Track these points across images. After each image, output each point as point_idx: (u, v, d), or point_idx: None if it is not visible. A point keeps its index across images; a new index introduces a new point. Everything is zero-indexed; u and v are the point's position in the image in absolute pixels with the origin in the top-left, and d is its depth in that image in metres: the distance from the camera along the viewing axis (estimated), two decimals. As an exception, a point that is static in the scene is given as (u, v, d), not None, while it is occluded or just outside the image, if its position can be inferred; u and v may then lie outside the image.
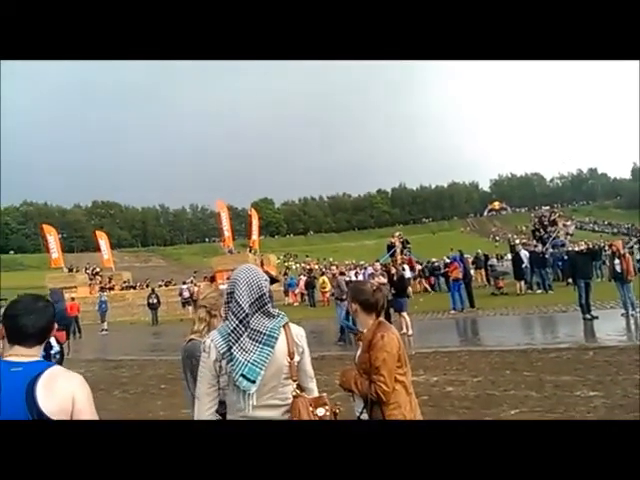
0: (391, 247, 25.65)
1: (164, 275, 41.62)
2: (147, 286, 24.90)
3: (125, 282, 28.71)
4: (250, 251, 26.58)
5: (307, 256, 59.69)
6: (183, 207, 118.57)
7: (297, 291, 22.72)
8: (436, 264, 20.84)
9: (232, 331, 1.79)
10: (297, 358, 1.85)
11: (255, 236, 30.26)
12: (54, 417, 1.57)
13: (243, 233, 66.63)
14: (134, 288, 27.45)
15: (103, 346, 15.68)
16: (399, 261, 22.45)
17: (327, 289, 18.67)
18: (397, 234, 27.62)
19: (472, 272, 16.32)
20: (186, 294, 22.08)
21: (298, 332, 1.91)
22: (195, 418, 1.80)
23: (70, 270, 28.52)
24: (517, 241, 29.82)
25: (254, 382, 1.72)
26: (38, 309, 1.73)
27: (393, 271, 12.89)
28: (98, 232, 33.79)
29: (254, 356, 1.75)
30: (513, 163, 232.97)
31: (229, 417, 1.83)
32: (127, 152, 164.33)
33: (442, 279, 19.54)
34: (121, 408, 6.37)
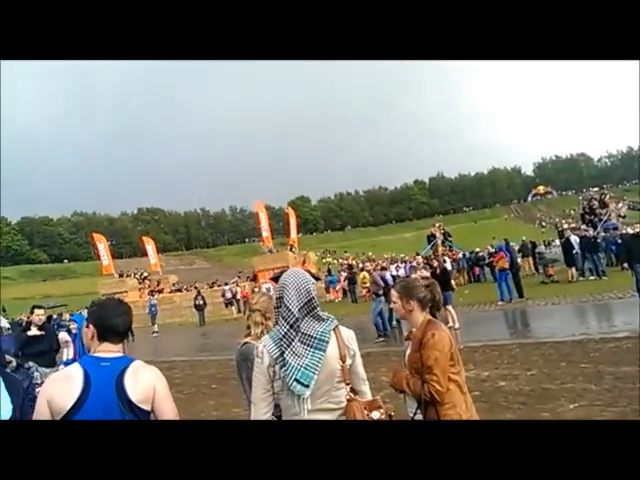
0: (431, 239, 25.22)
1: (208, 276, 42.83)
2: (195, 288, 25.66)
3: (174, 285, 29.73)
4: (291, 249, 26.75)
5: (345, 251, 59.61)
6: (223, 209, 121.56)
7: (338, 287, 22.76)
8: (480, 254, 20.27)
9: (283, 336, 1.81)
10: (349, 361, 1.85)
11: (293, 234, 30.54)
12: (140, 404, 1.85)
13: (281, 232, 67.43)
14: (180, 291, 28.39)
15: (155, 348, 16.31)
16: (440, 253, 22.06)
17: (368, 284, 18.60)
18: (437, 225, 27.12)
19: (519, 261, 15.74)
20: (228, 295, 22.63)
21: (349, 335, 1.91)
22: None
23: (120, 276, 29.84)
24: (565, 226, 28.57)
25: (308, 386, 1.73)
26: (125, 311, 2.02)
27: (435, 264, 12.67)
28: (145, 238, 35.08)
29: (306, 360, 1.76)
30: (557, 144, 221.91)
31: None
32: (165, 158, 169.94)
33: (487, 269, 19.02)
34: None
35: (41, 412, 1.77)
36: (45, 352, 5.45)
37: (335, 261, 50.27)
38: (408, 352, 2.48)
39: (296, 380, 1.73)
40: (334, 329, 1.87)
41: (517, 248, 17.94)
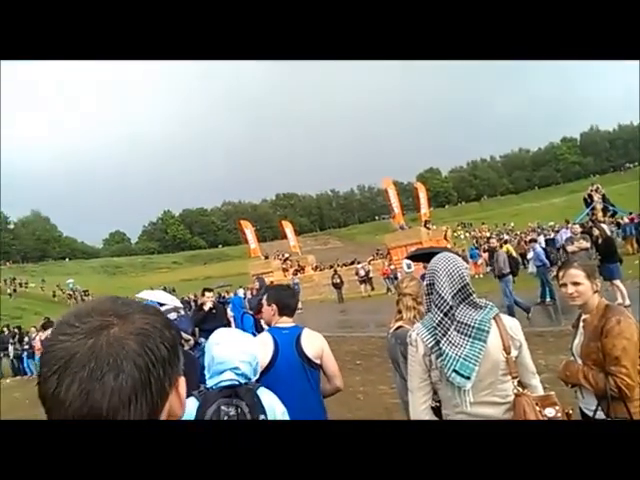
0: (589, 203, 22.09)
1: (342, 255, 44.24)
2: (331, 267, 26.79)
3: (318, 265, 31.50)
4: (425, 225, 25.88)
5: (483, 223, 55.81)
6: (352, 189, 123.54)
7: (480, 262, 21.44)
8: (653, 218, 17.11)
9: (438, 324, 1.75)
10: (514, 352, 1.71)
11: (424, 209, 29.58)
12: (314, 358, 2.46)
13: (412, 207, 65.92)
14: (320, 269, 29.93)
15: (301, 323, 17.46)
16: (600, 218, 19.24)
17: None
18: (594, 186, 23.58)
19: None
20: (362, 272, 23.03)
21: (512, 324, 1.76)
22: (410, 411, 1.83)
23: (266, 258, 32.59)
24: None
25: (469, 378, 1.65)
26: (295, 293, 2.79)
27: (596, 232, 11.07)
28: (284, 222, 37.64)
29: (465, 351, 1.67)
30: None
31: (444, 412, 1.80)
32: (295, 142, 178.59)
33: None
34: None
35: None
36: (217, 329, 6.25)
37: (467, 234, 47.37)
38: (579, 341, 2.19)
39: (455, 371, 1.66)
40: (494, 317, 1.74)
41: None
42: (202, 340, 6.16)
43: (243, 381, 1.72)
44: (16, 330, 16.82)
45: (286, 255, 33.04)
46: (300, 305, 21.06)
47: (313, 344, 2.50)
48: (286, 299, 2.61)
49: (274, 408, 1.72)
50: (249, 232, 33.68)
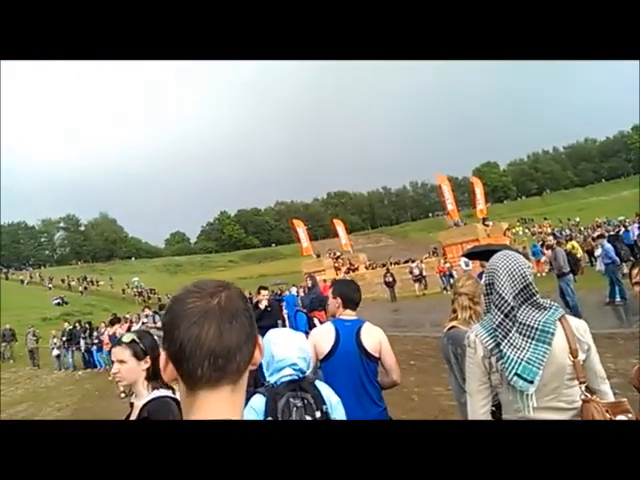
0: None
1: (394, 253, 43.65)
2: (384, 265, 26.52)
3: (370, 262, 31.35)
4: (484, 222, 24.85)
5: (545, 219, 52.89)
6: (404, 186, 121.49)
7: (543, 260, 20.33)
8: None
9: (498, 326, 1.69)
10: (582, 356, 1.62)
11: (481, 205, 28.48)
12: (371, 351, 2.59)
13: (467, 203, 63.82)
14: (372, 268, 29.71)
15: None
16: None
17: (579, 256, 16.13)
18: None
19: None
20: (416, 271, 22.59)
21: (579, 325, 1.67)
22: (469, 414, 1.78)
23: (318, 256, 32.84)
24: None
25: (532, 382, 1.58)
26: (358, 288, 2.89)
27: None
28: (335, 220, 37.69)
29: (528, 354, 1.61)
30: None
31: (505, 417, 1.74)
32: (346, 141, 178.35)
33: None
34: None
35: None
36: (273, 326, 6.39)
37: (527, 230, 44.97)
38: None
39: (517, 375, 1.60)
40: (560, 319, 1.65)
41: None
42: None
43: (301, 375, 1.87)
44: (87, 325, 18.09)
45: (338, 253, 33.12)
46: (353, 303, 21.19)
47: (372, 337, 2.64)
48: (350, 293, 2.77)
49: (330, 398, 1.86)
50: (301, 231, 34.08)
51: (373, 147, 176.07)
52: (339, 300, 2.75)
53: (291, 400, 1.77)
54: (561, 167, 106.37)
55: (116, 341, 2.16)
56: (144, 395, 1.97)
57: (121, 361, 2.01)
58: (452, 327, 2.64)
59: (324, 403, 1.80)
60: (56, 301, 35.62)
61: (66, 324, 18.63)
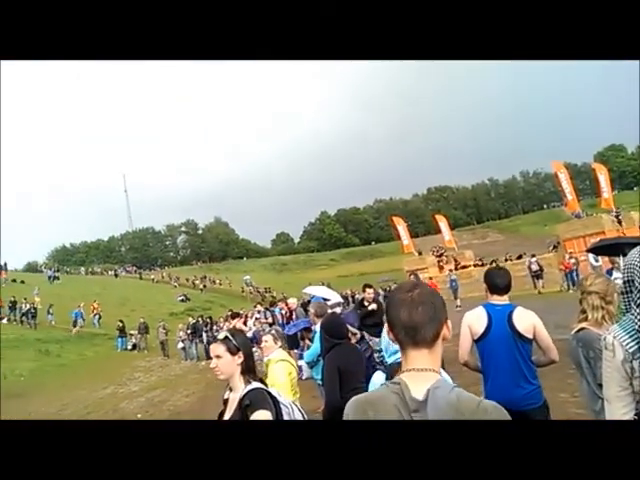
0: None
1: (504, 249, 40.87)
2: (493, 262, 24.97)
3: (479, 260, 29.79)
4: (617, 216, 22.01)
5: (691, 205, 45.17)
6: (513, 176, 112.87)
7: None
8: None
9: (640, 327, 1.53)
10: None
11: (607, 193, 25.32)
12: (524, 333, 2.75)
13: (588, 192, 57.21)
14: (481, 265, 28.16)
15: (458, 321, 16.74)
16: None
17: None
18: None
19: None
20: (534, 267, 20.86)
21: None
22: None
23: (419, 253, 32.06)
24: None
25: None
26: (504, 274, 3.05)
27: None
28: (437, 216, 36.40)
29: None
30: None
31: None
32: (447, 131, 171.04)
33: None
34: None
35: (465, 333, 2.94)
36: (378, 324, 6.42)
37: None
38: None
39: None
40: None
41: None
42: (365, 335, 6.40)
43: None
44: (208, 320, 19.86)
45: (441, 250, 31.98)
46: (459, 302, 20.29)
47: (524, 320, 2.81)
48: (494, 279, 2.99)
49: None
50: (401, 228, 33.54)
51: (478, 136, 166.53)
52: (485, 287, 3.03)
53: None
54: None
55: (212, 339, 2.42)
56: (240, 388, 2.10)
57: (218, 356, 2.16)
58: (582, 329, 2.43)
59: None
60: (180, 298, 39.60)
61: (190, 318, 20.65)
